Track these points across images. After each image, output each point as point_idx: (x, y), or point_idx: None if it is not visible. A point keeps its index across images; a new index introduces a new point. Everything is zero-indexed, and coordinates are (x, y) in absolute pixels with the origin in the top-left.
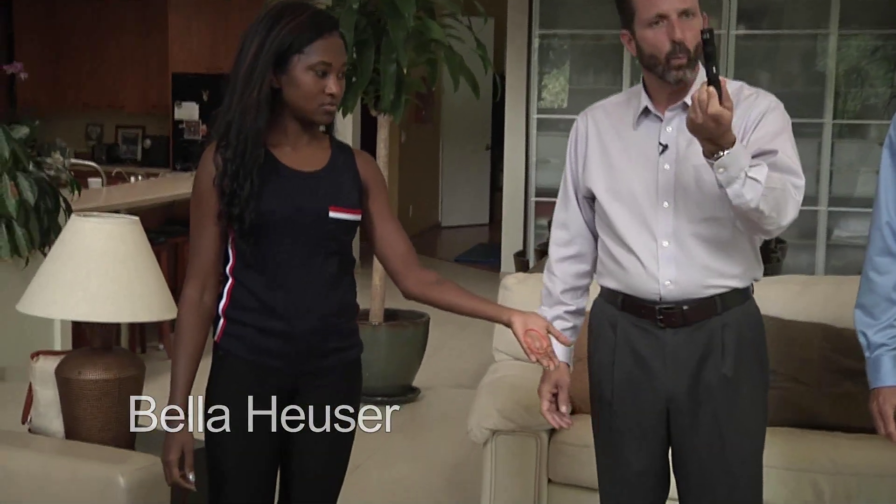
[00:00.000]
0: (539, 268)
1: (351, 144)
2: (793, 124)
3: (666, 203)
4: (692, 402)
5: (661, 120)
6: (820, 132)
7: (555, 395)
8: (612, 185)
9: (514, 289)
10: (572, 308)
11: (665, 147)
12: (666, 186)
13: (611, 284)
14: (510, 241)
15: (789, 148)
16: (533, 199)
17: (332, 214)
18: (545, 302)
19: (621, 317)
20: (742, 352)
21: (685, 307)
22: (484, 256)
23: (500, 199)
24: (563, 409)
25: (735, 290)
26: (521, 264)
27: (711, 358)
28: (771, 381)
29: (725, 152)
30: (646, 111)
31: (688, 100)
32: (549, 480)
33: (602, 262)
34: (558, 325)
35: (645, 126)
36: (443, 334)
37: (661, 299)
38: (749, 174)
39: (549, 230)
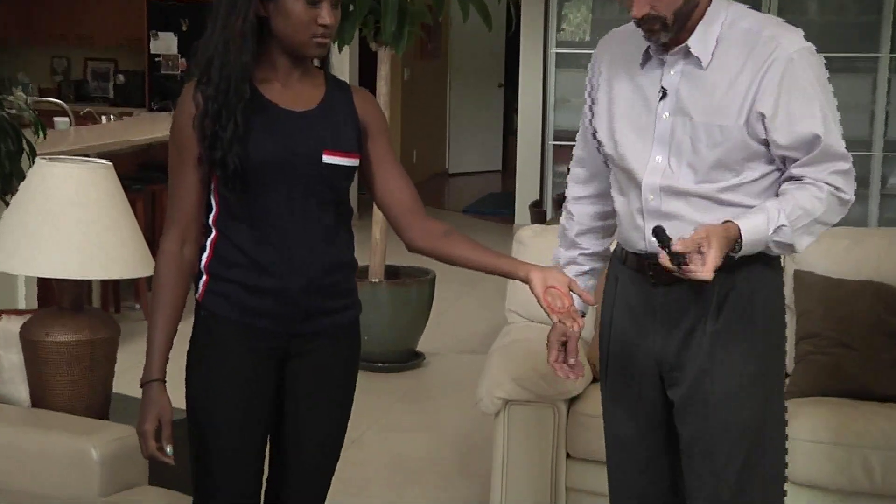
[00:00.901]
0: (557, 220)
1: (348, 81)
2: (844, 58)
3: (658, 157)
4: (681, 368)
5: (664, 63)
6: (875, 67)
7: (564, 346)
8: (611, 129)
9: (530, 243)
10: (589, 251)
11: (664, 94)
12: (661, 138)
13: (617, 236)
14: (525, 190)
15: (830, 120)
16: (551, 143)
17: (326, 159)
18: (561, 242)
19: (622, 271)
20: (739, 314)
21: None
22: (496, 207)
23: (515, 144)
24: (572, 360)
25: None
26: (538, 216)
27: (703, 320)
28: (816, 347)
29: (739, 248)
30: (648, 52)
31: (692, 45)
32: (568, 455)
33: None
34: (573, 269)
35: (650, 67)
36: (450, 293)
37: (647, 253)
38: (774, 241)
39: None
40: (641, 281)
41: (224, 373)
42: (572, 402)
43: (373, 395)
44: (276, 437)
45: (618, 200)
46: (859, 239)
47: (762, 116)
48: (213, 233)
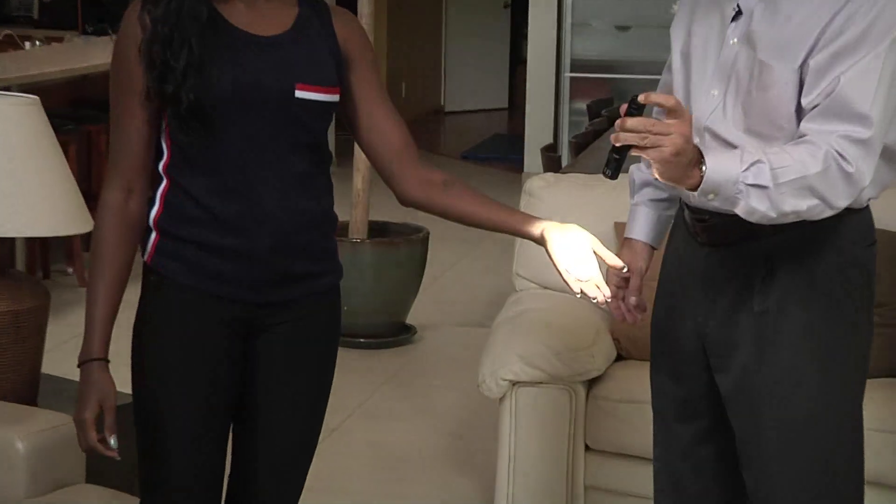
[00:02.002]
0: (575, 166)
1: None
2: None
3: (715, 90)
4: (725, 352)
5: None
6: None
7: (626, 282)
8: (685, 49)
9: (542, 195)
10: (663, 195)
11: (738, 13)
12: (723, 68)
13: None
14: (536, 131)
15: (869, 76)
16: (567, 75)
17: (299, 94)
18: (635, 178)
19: (677, 227)
20: (794, 287)
21: (719, 221)
22: (501, 152)
23: (524, 76)
24: (633, 299)
25: None
26: (551, 162)
27: (751, 290)
28: (884, 319)
29: (703, 174)
30: None
31: None
32: (587, 447)
33: None
34: (648, 194)
35: None
36: (447, 254)
37: (691, 206)
38: (749, 182)
39: (589, 116)
40: (691, 240)
41: (178, 349)
42: (592, 383)
43: (354, 376)
44: (241, 426)
45: None
46: None
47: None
48: (164, 182)
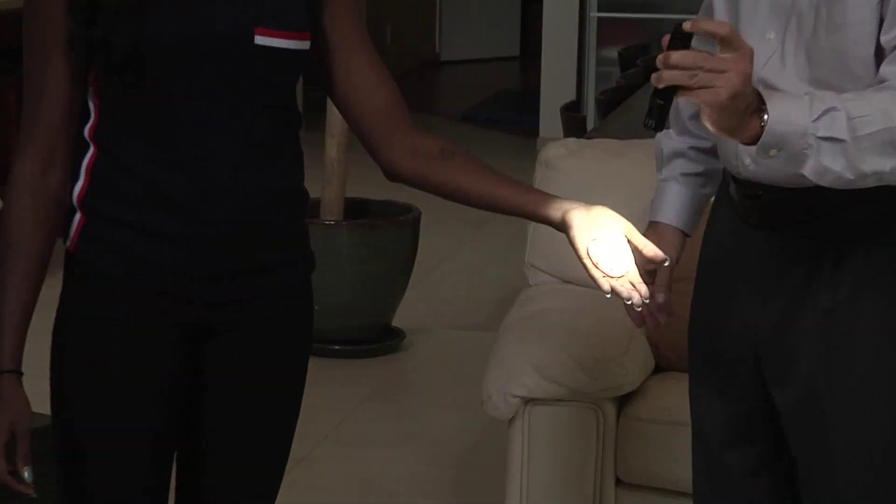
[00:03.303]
0: (604, 130)
1: None
2: None
3: (770, 34)
4: (784, 359)
5: None
6: None
7: (650, 275)
8: None
9: (562, 166)
10: (708, 144)
11: None
12: (780, 5)
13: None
14: (555, 86)
15: None
16: (594, 14)
17: (260, 40)
18: (670, 125)
19: (719, 208)
20: (873, 274)
21: (776, 196)
22: (511, 112)
23: (539, 17)
24: (660, 297)
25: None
26: (574, 125)
27: (817, 281)
28: None
29: (763, 123)
30: None
31: None
32: (618, 481)
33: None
34: (681, 166)
35: None
36: (443, 240)
37: (741, 180)
38: (821, 134)
39: (621, 67)
40: (738, 221)
41: (109, 358)
42: (624, 401)
43: (328, 392)
44: (187, 456)
45: None
46: None
47: None
48: (92, 150)
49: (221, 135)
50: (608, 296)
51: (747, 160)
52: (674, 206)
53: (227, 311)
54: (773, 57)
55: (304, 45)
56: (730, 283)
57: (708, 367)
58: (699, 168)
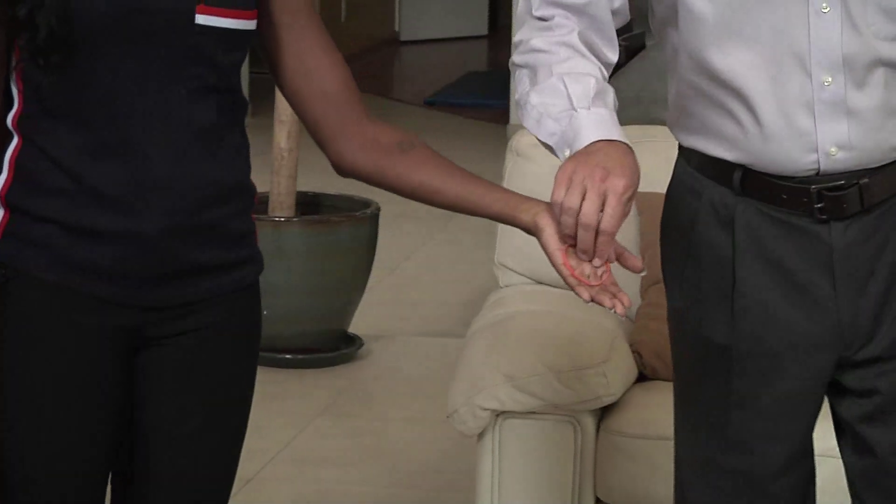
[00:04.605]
0: None
1: None
2: None
3: (825, 5)
4: (881, 345)
5: None
6: None
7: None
8: None
9: (534, 155)
10: (608, 66)
11: None
12: None
13: (716, 151)
14: None
15: None
16: None
17: (201, 19)
18: (563, 46)
19: (743, 206)
20: None
21: (862, 182)
22: (479, 96)
23: None
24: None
25: None
26: None
27: None
28: None
29: None
30: None
31: None
32: (598, 501)
33: (687, 106)
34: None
35: None
36: (404, 238)
37: (819, 173)
38: None
39: None
40: (796, 218)
41: (36, 371)
42: (605, 413)
43: (280, 404)
44: (125, 473)
45: (732, 102)
46: None
47: None
48: (15, 140)
49: (159, 121)
50: (587, 302)
51: (833, 149)
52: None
53: (166, 317)
54: (844, 28)
55: (251, 24)
56: (796, 288)
57: (762, 382)
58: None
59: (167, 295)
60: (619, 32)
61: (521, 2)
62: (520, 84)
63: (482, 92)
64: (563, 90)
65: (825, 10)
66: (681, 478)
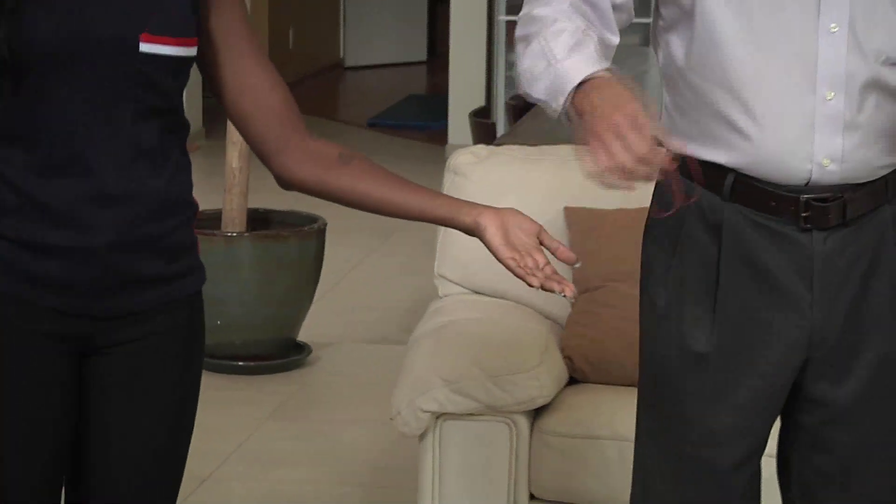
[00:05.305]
0: (514, 136)
1: None
2: None
3: (834, 25)
4: (849, 345)
5: None
6: None
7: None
8: None
9: (471, 173)
10: (609, 42)
11: None
12: None
13: (711, 155)
14: (464, 91)
15: None
16: (502, 18)
17: (146, 47)
18: (546, 22)
19: (730, 212)
20: None
21: (847, 195)
22: (419, 118)
23: (447, 19)
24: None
25: None
26: (483, 131)
27: (882, 268)
28: None
29: None
30: None
31: None
32: (532, 497)
33: (686, 112)
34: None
35: None
36: (349, 250)
37: (808, 184)
38: None
39: None
40: (782, 226)
41: None
42: (538, 414)
43: (231, 409)
44: (74, 480)
45: (737, 113)
46: None
47: None
48: None
49: (105, 142)
50: (538, 288)
51: (826, 161)
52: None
53: (112, 325)
54: (844, 47)
55: (192, 51)
56: (778, 292)
57: (740, 382)
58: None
59: (114, 305)
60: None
61: None
62: (518, 57)
63: (422, 114)
64: (543, 48)
65: (834, 30)
66: (643, 468)
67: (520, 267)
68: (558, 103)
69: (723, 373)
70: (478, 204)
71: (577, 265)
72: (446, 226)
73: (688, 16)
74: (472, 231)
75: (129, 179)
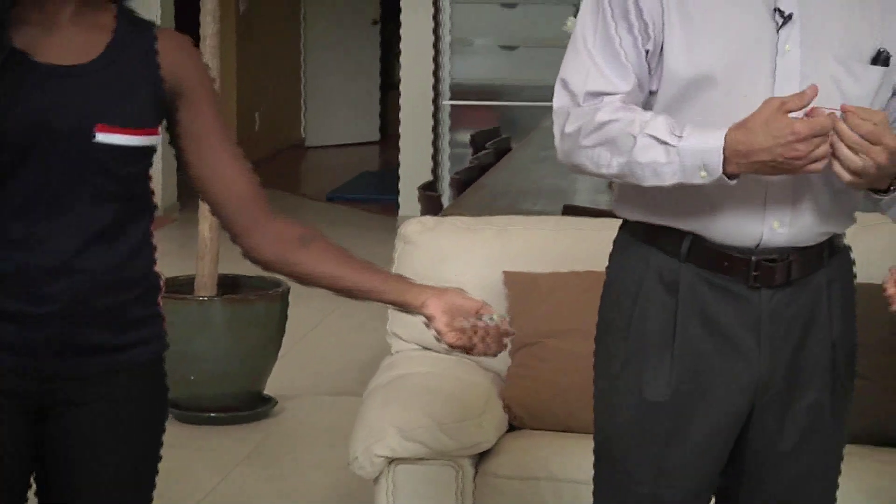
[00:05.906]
0: (458, 207)
1: (158, 21)
2: None
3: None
4: (788, 392)
5: None
6: None
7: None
8: (700, 68)
9: (420, 241)
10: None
11: (787, 17)
12: (787, 78)
13: (670, 221)
14: (412, 167)
15: None
16: (446, 102)
17: (100, 137)
18: (626, 120)
19: (686, 272)
20: (848, 317)
21: (791, 258)
22: (373, 192)
23: (397, 103)
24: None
25: (837, 235)
26: (430, 203)
27: (816, 328)
28: None
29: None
30: None
31: None
32: None
33: (645, 186)
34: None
35: None
36: (311, 312)
37: (758, 247)
38: None
39: (473, 149)
40: (733, 285)
41: None
42: (482, 458)
43: (203, 457)
44: None
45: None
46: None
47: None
48: None
49: (61, 222)
50: (480, 355)
51: (776, 224)
52: None
53: (62, 388)
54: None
55: (150, 140)
56: (729, 344)
57: (694, 426)
58: None
59: (63, 368)
60: (489, 136)
61: (557, 99)
62: (601, 159)
63: (375, 188)
64: (655, 141)
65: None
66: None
67: (464, 345)
68: (700, 175)
69: (677, 417)
70: (425, 287)
71: (513, 335)
72: (395, 307)
73: (653, 95)
74: (419, 313)
75: (83, 257)
